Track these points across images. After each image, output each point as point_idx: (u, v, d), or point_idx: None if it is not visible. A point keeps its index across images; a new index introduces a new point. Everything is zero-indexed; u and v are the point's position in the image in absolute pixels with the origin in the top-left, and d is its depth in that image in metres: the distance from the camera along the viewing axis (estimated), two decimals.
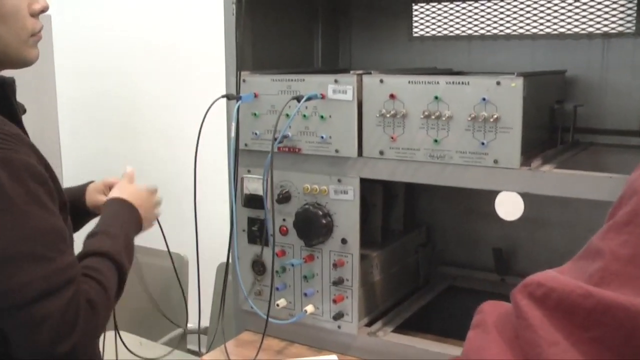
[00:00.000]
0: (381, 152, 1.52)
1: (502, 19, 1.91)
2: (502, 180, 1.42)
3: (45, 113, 3.11)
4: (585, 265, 0.81)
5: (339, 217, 1.60)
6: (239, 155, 1.65)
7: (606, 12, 1.77)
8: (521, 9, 1.88)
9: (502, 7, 1.91)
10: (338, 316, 1.64)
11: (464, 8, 1.96)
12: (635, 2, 1.73)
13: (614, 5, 1.76)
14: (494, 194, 1.83)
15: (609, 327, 0.72)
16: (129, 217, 1.41)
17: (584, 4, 1.79)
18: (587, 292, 0.74)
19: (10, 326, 1.14)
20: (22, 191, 1.12)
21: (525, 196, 1.77)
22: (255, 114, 1.64)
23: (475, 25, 1.95)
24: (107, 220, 1.38)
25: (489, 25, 1.93)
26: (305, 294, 1.67)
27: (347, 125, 1.53)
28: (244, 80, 1.64)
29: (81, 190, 1.61)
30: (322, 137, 1.56)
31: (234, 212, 1.64)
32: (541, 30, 1.86)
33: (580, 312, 0.74)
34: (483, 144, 1.40)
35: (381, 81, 1.49)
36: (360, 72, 1.53)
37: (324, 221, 1.59)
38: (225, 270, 1.68)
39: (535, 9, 1.86)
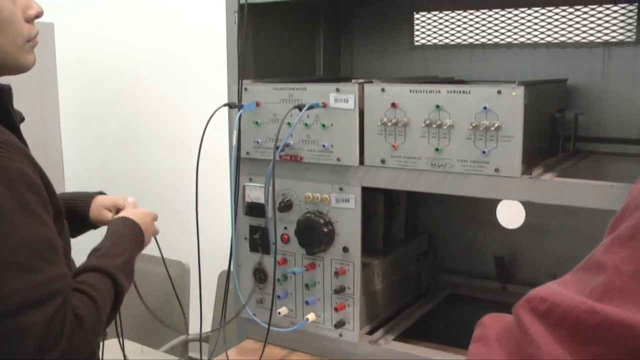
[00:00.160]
0: (382, 161, 1.52)
1: (503, 27, 1.92)
2: (503, 189, 1.42)
3: (47, 121, 3.12)
4: (586, 278, 0.80)
5: (340, 226, 1.60)
6: (240, 164, 1.66)
7: (607, 21, 1.77)
8: (522, 18, 1.89)
9: (503, 16, 1.91)
10: (339, 324, 1.64)
11: (465, 17, 1.97)
12: (636, 11, 1.74)
13: (615, 14, 1.76)
14: (495, 202, 1.84)
15: (614, 344, 0.72)
16: (133, 237, 1.41)
17: (585, 12, 1.80)
18: (591, 309, 0.74)
19: None
20: (14, 199, 1.11)
21: (526, 204, 1.78)
22: (257, 123, 1.64)
23: (477, 34, 1.96)
24: (112, 237, 1.38)
25: (490, 34, 1.94)
26: (307, 302, 1.67)
27: (349, 133, 1.53)
28: (245, 89, 1.65)
29: (88, 199, 1.59)
30: (323, 146, 1.57)
31: (236, 220, 1.65)
32: (542, 39, 1.86)
33: (584, 329, 0.74)
34: (484, 152, 1.40)
35: (383, 90, 1.49)
36: (361, 80, 1.53)
37: (325, 229, 1.59)
38: (227, 278, 1.68)
39: (536, 17, 1.87)
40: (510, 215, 1.88)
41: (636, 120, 1.74)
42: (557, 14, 1.84)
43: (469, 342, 0.92)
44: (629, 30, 1.76)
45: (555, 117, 1.70)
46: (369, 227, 1.81)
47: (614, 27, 1.77)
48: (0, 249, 1.09)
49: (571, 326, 0.75)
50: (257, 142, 1.66)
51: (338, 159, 1.56)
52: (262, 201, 1.67)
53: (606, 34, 1.78)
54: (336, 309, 1.63)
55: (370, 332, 1.69)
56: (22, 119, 1.35)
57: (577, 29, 1.81)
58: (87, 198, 1.59)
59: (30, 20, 1.28)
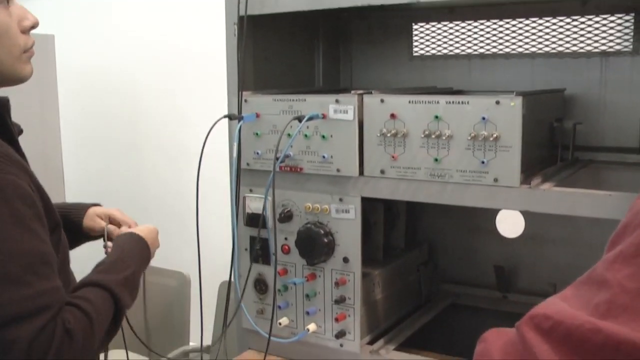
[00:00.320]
0: (382, 171, 1.53)
1: (501, 38, 1.93)
2: (502, 199, 1.42)
3: (48, 132, 3.13)
4: (589, 293, 0.80)
5: (340, 236, 1.61)
6: (241, 175, 1.67)
7: (604, 31, 1.79)
8: (520, 28, 1.90)
9: (501, 26, 1.92)
10: (340, 334, 1.64)
11: (463, 27, 1.98)
12: (632, 21, 1.75)
13: (612, 25, 1.77)
14: (494, 211, 1.84)
15: None
16: (139, 252, 1.42)
17: (582, 23, 1.81)
18: (595, 327, 0.74)
19: None
20: (7, 212, 1.11)
21: (525, 213, 1.79)
22: (257, 134, 1.65)
23: (475, 45, 1.97)
24: (117, 252, 1.38)
25: (488, 44, 1.95)
26: (308, 313, 1.67)
27: (348, 144, 1.54)
28: (245, 101, 1.65)
29: (82, 210, 1.60)
30: (323, 157, 1.57)
31: (236, 231, 1.65)
32: (540, 49, 1.88)
33: (589, 347, 0.74)
34: (483, 162, 1.41)
35: (382, 101, 1.50)
36: (361, 92, 1.54)
37: (325, 240, 1.60)
38: (228, 289, 1.68)
39: (534, 28, 1.88)
40: (510, 224, 1.89)
41: (634, 129, 1.75)
42: (554, 24, 1.85)
43: (470, 352, 0.93)
44: (626, 40, 1.77)
45: (553, 126, 1.70)
46: (369, 237, 1.81)
47: (611, 37, 1.78)
48: None
49: (575, 344, 0.75)
50: (257, 153, 1.66)
51: (338, 170, 1.57)
52: (263, 212, 1.68)
53: (603, 44, 1.79)
54: (337, 319, 1.64)
55: (371, 342, 1.69)
56: (21, 131, 1.35)
57: (575, 39, 1.83)
58: (81, 209, 1.61)
59: (26, 31, 1.29)
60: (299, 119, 1.55)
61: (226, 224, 1.75)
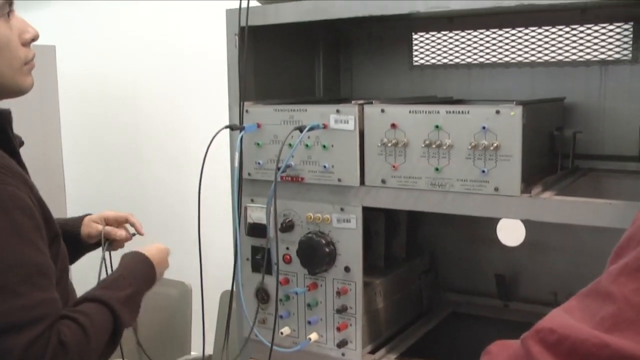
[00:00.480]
0: (383, 181, 1.53)
1: (501, 47, 1.94)
2: (503, 208, 1.43)
3: (49, 143, 3.14)
4: (594, 306, 0.80)
5: (342, 246, 1.61)
6: (242, 185, 1.67)
7: (603, 40, 1.79)
8: (520, 38, 1.91)
9: (500, 35, 1.93)
10: (342, 344, 1.64)
11: (463, 37, 1.99)
12: (632, 29, 1.76)
13: (611, 33, 1.78)
14: (495, 220, 1.85)
15: None
16: (143, 272, 1.42)
17: (582, 32, 1.82)
18: (602, 342, 0.74)
19: None
20: (6, 222, 1.12)
21: (526, 222, 1.79)
22: (258, 144, 1.66)
23: (475, 54, 1.98)
24: (120, 270, 1.39)
25: (488, 53, 1.96)
26: (309, 322, 1.67)
27: (349, 154, 1.55)
28: (247, 111, 1.66)
29: (78, 220, 1.63)
30: (324, 167, 1.58)
31: (238, 240, 1.66)
32: (540, 58, 1.88)
33: None
34: (484, 172, 1.41)
35: (382, 111, 1.51)
36: (361, 101, 1.55)
37: (327, 249, 1.60)
38: (230, 299, 1.68)
39: (533, 37, 1.89)
40: (511, 232, 1.89)
41: (634, 137, 1.75)
42: (554, 33, 1.86)
43: None
44: (625, 49, 1.78)
45: (553, 135, 1.71)
46: (370, 247, 1.81)
47: (611, 46, 1.79)
48: None
49: (581, 358, 0.75)
50: (259, 163, 1.67)
51: (339, 180, 1.57)
52: (264, 222, 1.68)
53: (603, 53, 1.80)
54: (338, 329, 1.64)
55: (373, 351, 1.70)
56: (22, 143, 1.36)
57: (574, 48, 1.83)
58: (76, 219, 1.63)
59: (26, 43, 1.30)
60: (300, 129, 1.55)
61: (227, 233, 1.76)
